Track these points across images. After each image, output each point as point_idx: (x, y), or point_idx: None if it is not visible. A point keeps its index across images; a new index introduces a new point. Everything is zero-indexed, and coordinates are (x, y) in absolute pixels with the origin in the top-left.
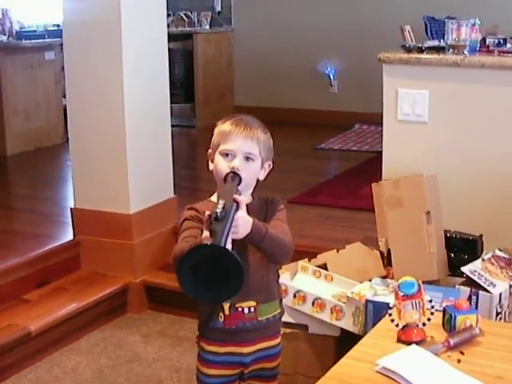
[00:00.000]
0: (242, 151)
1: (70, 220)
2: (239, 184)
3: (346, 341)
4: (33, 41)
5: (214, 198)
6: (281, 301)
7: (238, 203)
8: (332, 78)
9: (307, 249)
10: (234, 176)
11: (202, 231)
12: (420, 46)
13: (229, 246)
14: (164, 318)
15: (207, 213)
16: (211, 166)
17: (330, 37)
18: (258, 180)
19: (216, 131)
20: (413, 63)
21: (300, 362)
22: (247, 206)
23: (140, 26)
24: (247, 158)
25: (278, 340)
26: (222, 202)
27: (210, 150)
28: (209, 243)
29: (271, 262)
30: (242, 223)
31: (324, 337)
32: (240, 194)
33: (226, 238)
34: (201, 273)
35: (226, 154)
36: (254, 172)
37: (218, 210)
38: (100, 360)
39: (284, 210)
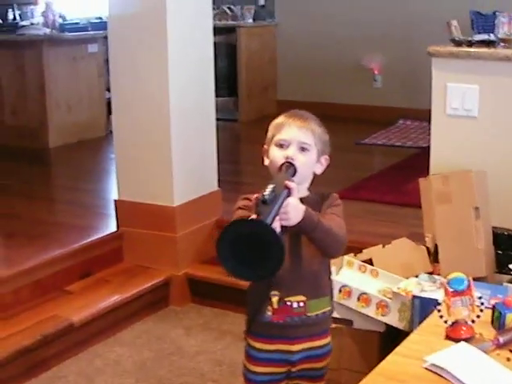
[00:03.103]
0: (297, 141)
1: (113, 212)
2: (294, 174)
3: (390, 336)
4: (76, 33)
5: None
6: (331, 298)
7: (289, 189)
8: (376, 72)
9: (352, 244)
10: (289, 166)
11: None
12: (470, 39)
13: (277, 231)
14: (207, 311)
15: (255, 195)
16: (266, 162)
17: (373, 31)
18: (314, 175)
19: (271, 126)
20: (462, 57)
21: (344, 357)
22: (303, 199)
23: (186, 19)
24: (302, 149)
25: (327, 340)
26: (271, 186)
27: (265, 146)
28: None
29: (323, 254)
30: (293, 209)
31: (369, 332)
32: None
33: (272, 219)
34: (241, 249)
35: (280, 145)
36: (309, 163)
37: (266, 193)
38: (142, 352)
39: (341, 206)
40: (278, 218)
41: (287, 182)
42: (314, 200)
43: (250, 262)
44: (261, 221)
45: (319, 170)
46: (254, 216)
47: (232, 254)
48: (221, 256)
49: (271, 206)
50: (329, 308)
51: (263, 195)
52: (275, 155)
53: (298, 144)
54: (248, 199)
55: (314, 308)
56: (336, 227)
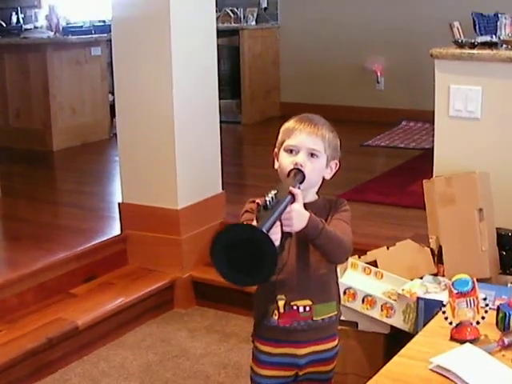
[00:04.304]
0: (306, 147)
1: (117, 215)
2: (303, 181)
3: (395, 338)
4: (79, 36)
5: None
6: (339, 302)
7: (293, 196)
8: (379, 74)
9: (357, 246)
10: (298, 172)
11: None
12: (472, 41)
13: (276, 237)
14: (211, 314)
15: (257, 200)
16: (276, 165)
17: (376, 33)
18: (323, 179)
19: (281, 130)
20: (465, 59)
21: (349, 359)
22: (311, 203)
23: (189, 22)
24: (312, 155)
25: (335, 343)
26: (273, 192)
27: (275, 150)
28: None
29: (328, 261)
30: (297, 216)
31: (374, 334)
32: (299, 189)
33: (271, 226)
34: (236, 254)
35: (290, 151)
36: (318, 169)
37: (268, 199)
38: (147, 355)
39: (348, 212)
40: (278, 223)
41: (291, 188)
42: (322, 205)
43: (244, 267)
44: (255, 227)
45: (328, 175)
46: (254, 222)
47: (226, 258)
48: (214, 259)
49: (271, 212)
50: (335, 313)
51: (265, 201)
52: (284, 161)
53: (307, 150)
54: (255, 202)
55: (320, 312)
56: (341, 234)
